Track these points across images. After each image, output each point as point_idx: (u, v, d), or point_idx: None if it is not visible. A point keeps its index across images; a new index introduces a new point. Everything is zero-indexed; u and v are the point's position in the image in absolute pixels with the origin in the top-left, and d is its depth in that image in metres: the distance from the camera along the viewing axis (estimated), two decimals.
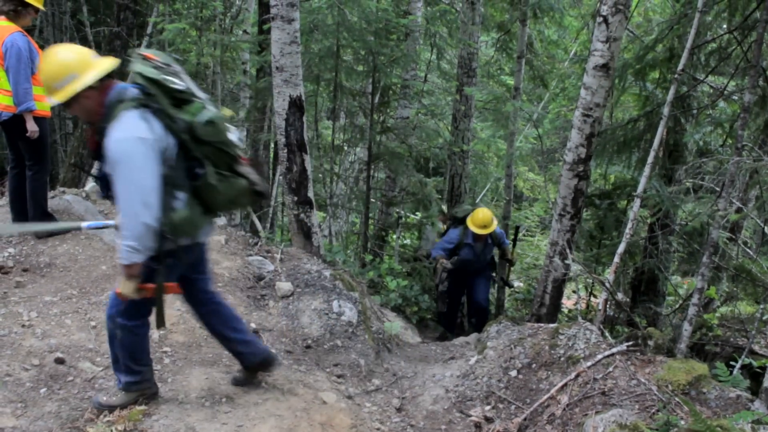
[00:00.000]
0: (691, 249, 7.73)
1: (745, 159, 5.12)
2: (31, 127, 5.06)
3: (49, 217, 5.39)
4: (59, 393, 3.65)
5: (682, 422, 3.39)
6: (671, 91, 5.50)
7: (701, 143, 7.42)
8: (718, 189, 5.72)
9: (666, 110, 5.48)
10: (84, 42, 11.15)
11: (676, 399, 3.60)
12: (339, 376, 4.63)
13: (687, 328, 5.00)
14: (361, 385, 4.58)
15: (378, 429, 3.92)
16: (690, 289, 6.99)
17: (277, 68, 5.95)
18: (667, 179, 7.29)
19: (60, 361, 3.89)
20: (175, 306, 4.79)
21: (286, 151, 6.11)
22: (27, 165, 5.28)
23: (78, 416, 3.41)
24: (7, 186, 5.50)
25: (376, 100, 8.95)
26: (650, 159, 5.45)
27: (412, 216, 10.43)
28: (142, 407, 3.48)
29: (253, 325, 4.93)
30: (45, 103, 5.22)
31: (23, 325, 4.19)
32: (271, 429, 3.48)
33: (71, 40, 12.32)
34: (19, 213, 5.40)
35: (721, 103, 7.36)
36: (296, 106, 6.01)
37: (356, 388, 4.50)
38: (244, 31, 10.89)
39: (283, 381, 4.17)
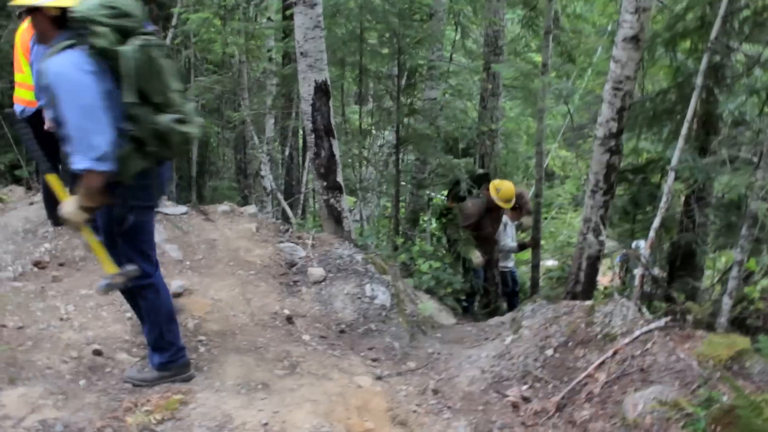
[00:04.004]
0: (729, 221, 7.57)
1: None
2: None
3: None
4: (98, 384, 3.70)
5: (725, 398, 3.32)
6: (704, 61, 5.36)
7: (736, 113, 7.23)
8: (755, 159, 5.57)
9: (699, 80, 5.34)
10: None
11: (718, 374, 3.53)
12: (374, 360, 4.62)
13: (727, 302, 4.90)
14: (396, 368, 4.57)
15: (414, 411, 3.90)
16: (729, 262, 6.85)
17: (301, 54, 5.92)
18: (702, 151, 7.14)
19: (98, 353, 3.94)
20: (208, 295, 4.83)
21: (313, 136, 6.10)
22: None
23: (117, 406, 3.45)
24: (41, 183, 5.57)
25: (403, 82, 8.88)
26: (683, 131, 5.33)
27: (438, 197, 10.33)
28: (179, 396, 3.51)
29: (286, 311, 4.95)
30: None
31: (61, 319, 4.25)
32: (307, 414, 3.48)
33: None
34: (53, 209, 5.47)
35: (757, 71, 7.15)
36: (322, 90, 5.99)
37: (391, 371, 4.48)
38: (269, 18, 10.88)
39: (318, 366, 4.18)
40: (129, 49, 3.04)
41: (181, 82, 3.42)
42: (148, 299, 3.66)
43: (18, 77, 5.10)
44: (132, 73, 3.04)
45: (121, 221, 3.42)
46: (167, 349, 3.73)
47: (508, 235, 8.95)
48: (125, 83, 3.05)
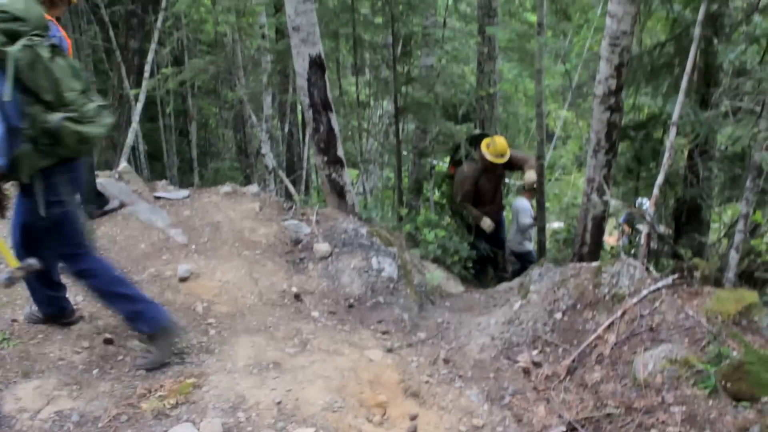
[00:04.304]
0: (733, 174, 7.52)
1: None
2: None
3: (100, 196, 5.48)
4: (111, 372, 3.72)
5: (734, 353, 3.33)
6: (701, 10, 5.27)
7: (736, 63, 7.12)
8: (758, 109, 5.52)
9: (697, 31, 5.27)
10: (101, 24, 11.15)
11: (727, 330, 3.53)
12: (384, 333, 4.64)
13: (734, 256, 4.89)
14: (407, 340, 4.59)
15: (426, 382, 3.93)
16: (735, 216, 6.82)
17: (293, 28, 5.86)
18: (703, 104, 7.06)
19: (109, 342, 3.96)
20: (215, 277, 4.84)
21: (311, 111, 6.06)
22: None
23: (131, 393, 3.48)
24: None
25: (398, 50, 8.79)
26: (683, 84, 5.26)
27: (440, 164, 10.27)
28: (192, 380, 3.54)
29: (294, 289, 4.96)
30: None
31: None
32: (320, 390, 3.51)
33: (88, 22, 12.34)
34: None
35: (756, 18, 7.04)
36: (317, 64, 5.94)
37: (402, 342, 4.50)
38: None
39: (329, 342, 4.20)
40: (13, 49, 3.10)
41: (83, 81, 3.45)
42: (94, 277, 3.73)
43: None
44: (12, 72, 3.09)
45: (45, 216, 3.46)
46: (141, 308, 3.79)
47: (526, 215, 8.79)
48: (6, 81, 3.10)
